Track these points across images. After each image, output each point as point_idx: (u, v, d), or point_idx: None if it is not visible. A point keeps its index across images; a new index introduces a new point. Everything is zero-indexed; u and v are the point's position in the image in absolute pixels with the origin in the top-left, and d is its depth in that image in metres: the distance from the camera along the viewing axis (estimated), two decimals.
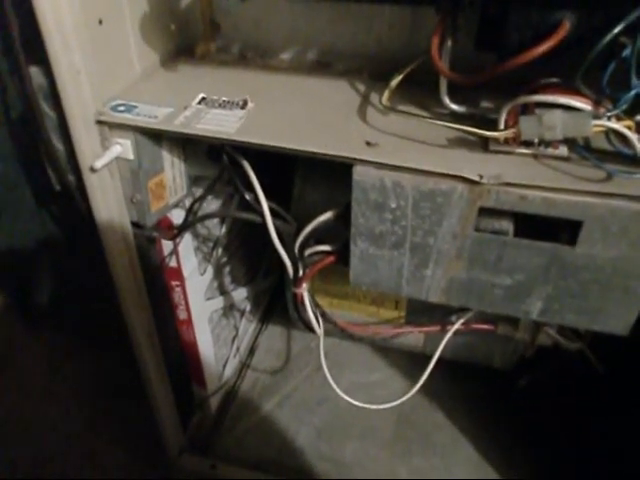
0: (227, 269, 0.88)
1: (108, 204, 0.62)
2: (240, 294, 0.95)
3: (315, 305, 0.69)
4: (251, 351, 1.07)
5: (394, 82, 0.60)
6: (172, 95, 0.63)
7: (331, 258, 0.60)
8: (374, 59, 0.68)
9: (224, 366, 0.97)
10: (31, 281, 0.96)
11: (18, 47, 0.58)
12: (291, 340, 1.09)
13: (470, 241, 0.53)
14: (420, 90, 0.61)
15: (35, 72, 0.58)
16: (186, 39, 0.73)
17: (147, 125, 0.57)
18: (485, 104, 0.59)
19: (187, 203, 0.70)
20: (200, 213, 0.68)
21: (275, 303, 1.12)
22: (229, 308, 0.94)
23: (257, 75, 0.68)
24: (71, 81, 0.55)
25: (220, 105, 0.61)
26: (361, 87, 0.66)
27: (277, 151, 0.54)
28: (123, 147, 0.59)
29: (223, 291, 0.88)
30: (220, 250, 0.84)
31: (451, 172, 0.50)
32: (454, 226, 0.53)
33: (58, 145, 0.60)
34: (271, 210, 0.61)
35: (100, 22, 0.58)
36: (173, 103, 0.61)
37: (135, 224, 0.64)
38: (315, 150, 0.53)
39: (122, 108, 0.60)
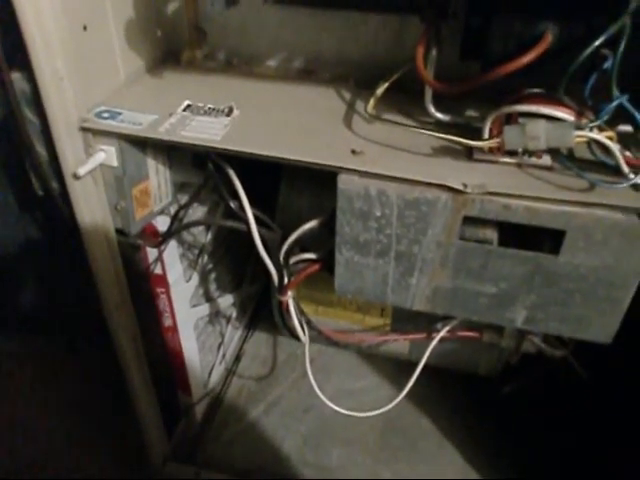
0: (213, 276, 0.87)
1: (92, 211, 0.61)
2: (226, 301, 0.95)
3: (300, 313, 0.68)
4: (237, 358, 1.06)
5: (379, 90, 0.60)
6: (157, 102, 0.62)
7: (316, 266, 0.60)
8: (360, 67, 0.68)
9: (210, 373, 0.97)
10: (12, 286, 0.95)
11: (0, 52, 0.58)
12: (277, 347, 1.08)
13: (455, 250, 0.53)
14: (405, 98, 0.62)
15: (17, 78, 0.57)
16: (172, 45, 0.72)
17: (131, 132, 0.57)
18: (470, 113, 0.60)
19: (172, 210, 0.69)
20: (185, 220, 0.68)
21: (261, 309, 1.12)
22: (215, 315, 0.93)
23: (243, 82, 0.68)
24: (54, 87, 0.55)
25: (205, 112, 0.61)
26: (347, 95, 0.66)
27: (262, 159, 0.54)
28: (107, 154, 0.58)
29: (209, 298, 0.88)
30: (206, 257, 0.83)
31: (436, 181, 0.50)
32: (439, 235, 0.53)
33: (41, 151, 0.59)
34: (256, 218, 0.60)
35: (84, 28, 0.58)
36: (158, 110, 0.60)
37: (119, 231, 0.63)
38: (300, 159, 0.53)
39: (106, 115, 0.59)
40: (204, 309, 0.88)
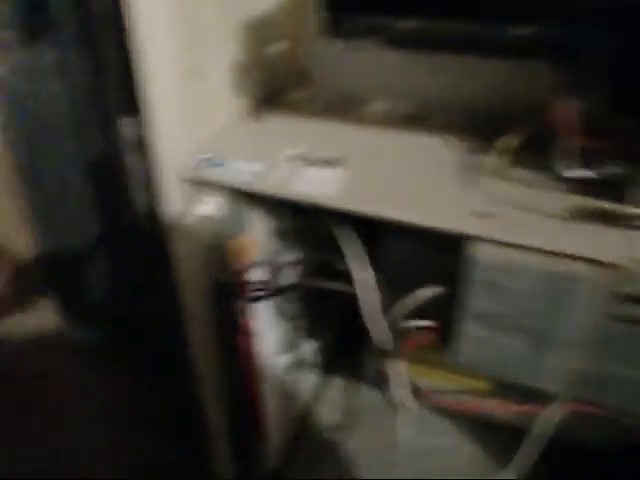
0: (297, 322, 0.83)
1: (188, 260, 0.59)
2: (308, 347, 0.90)
3: (404, 379, 0.63)
4: (315, 404, 1.01)
5: (506, 144, 0.55)
6: (261, 149, 0.59)
7: (431, 335, 0.55)
8: (475, 114, 0.62)
9: (287, 419, 0.92)
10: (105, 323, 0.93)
11: (110, 98, 0.56)
12: (356, 394, 1.03)
13: (600, 329, 0.47)
14: (535, 152, 0.56)
15: (125, 123, 0.56)
16: (274, 86, 0.69)
17: (238, 185, 0.54)
18: (614, 171, 0.53)
19: (267, 262, 0.65)
20: (282, 275, 0.64)
21: (341, 354, 1.06)
22: (297, 361, 0.89)
23: (350, 128, 0.64)
24: (161, 135, 0.53)
25: (313, 163, 0.57)
26: (462, 145, 0.61)
27: (378, 219, 0.50)
28: (209, 205, 0.56)
29: (293, 345, 0.83)
30: (293, 303, 0.79)
31: (583, 254, 0.44)
32: (583, 312, 0.46)
33: (139, 195, 0.57)
34: (363, 279, 0.56)
35: (192, 74, 0.56)
36: (262, 158, 0.57)
37: (213, 280, 0.60)
38: (422, 223, 0.48)
39: (210, 163, 0.57)
40: (287, 357, 0.83)
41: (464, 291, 0.48)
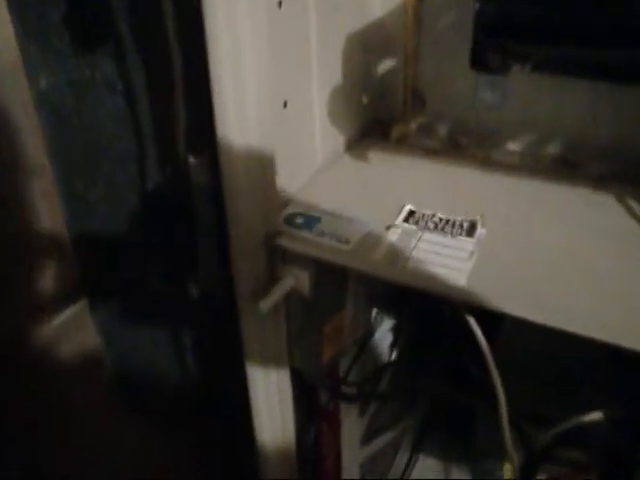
0: (389, 405, 0.69)
1: (264, 345, 0.46)
2: (397, 429, 0.75)
3: None
4: None
5: None
6: (366, 201, 0.46)
7: (587, 477, 0.40)
8: None
9: None
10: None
11: (176, 129, 0.44)
12: (447, 473, 0.89)
13: None
14: None
15: (194, 163, 0.44)
16: (379, 114, 0.56)
17: (337, 259, 0.41)
18: None
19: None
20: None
21: (429, 431, 0.91)
22: (382, 449, 0.74)
23: (478, 174, 0.50)
24: (237, 180, 0.40)
25: (436, 226, 0.43)
26: (634, 206, 0.45)
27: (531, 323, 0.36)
28: (298, 279, 0.43)
29: (380, 431, 0.69)
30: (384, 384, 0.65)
31: None
32: None
33: (209, 264, 0.45)
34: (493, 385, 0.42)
35: (285, 104, 0.43)
36: (369, 214, 0.44)
37: (296, 370, 0.48)
38: (600, 337, 0.33)
39: (300, 221, 0.44)
40: (374, 446, 0.69)
41: None
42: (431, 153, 0.53)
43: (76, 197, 0.47)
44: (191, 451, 0.62)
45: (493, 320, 0.40)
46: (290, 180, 0.46)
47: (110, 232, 0.47)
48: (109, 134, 0.43)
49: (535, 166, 0.50)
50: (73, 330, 0.48)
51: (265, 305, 0.41)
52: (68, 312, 0.47)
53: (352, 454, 0.62)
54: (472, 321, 0.41)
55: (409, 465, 0.85)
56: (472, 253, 0.40)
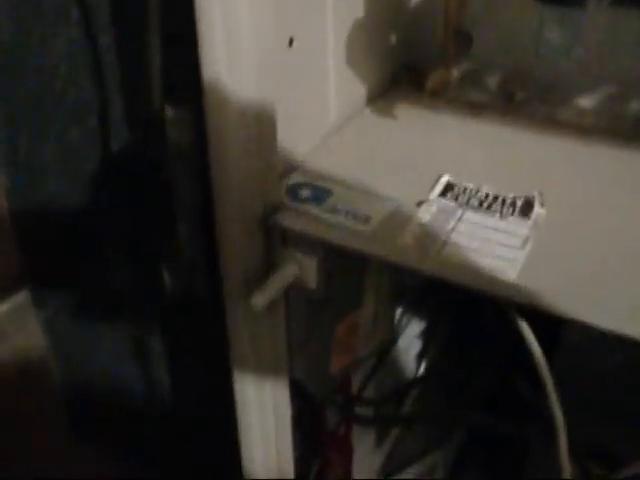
0: (414, 432, 0.60)
1: (257, 351, 0.38)
2: (425, 463, 0.66)
3: None
4: None
5: None
6: (391, 169, 0.38)
7: None
8: None
9: None
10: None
11: (154, 78, 0.36)
12: None
13: None
14: None
15: (172, 115, 0.35)
16: (411, 59, 0.47)
17: (350, 242, 0.32)
18: None
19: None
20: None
21: (465, 466, 0.83)
22: None
23: (537, 137, 0.42)
24: (229, 138, 0.31)
25: (481, 204, 0.35)
26: None
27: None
28: (302, 268, 0.35)
29: (403, 465, 0.60)
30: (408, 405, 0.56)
31: None
32: None
33: (188, 247, 0.37)
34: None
35: (290, 42, 0.34)
36: (395, 188, 0.36)
37: (297, 384, 0.40)
38: None
39: (307, 193, 0.36)
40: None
41: None
42: (477, 109, 0.45)
43: (19, 161, 0.40)
44: None
45: (552, 326, 0.34)
46: (295, 140, 0.38)
47: (61, 206, 0.40)
48: (62, 77, 0.35)
49: (613, 129, 0.42)
50: (10, 330, 0.40)
51: (259, 300, 0.33)
52: (5, 306, 0.40)
53: None
54: (524, 326, 0.33)
55: None
56: (526, 239, 0.33)
